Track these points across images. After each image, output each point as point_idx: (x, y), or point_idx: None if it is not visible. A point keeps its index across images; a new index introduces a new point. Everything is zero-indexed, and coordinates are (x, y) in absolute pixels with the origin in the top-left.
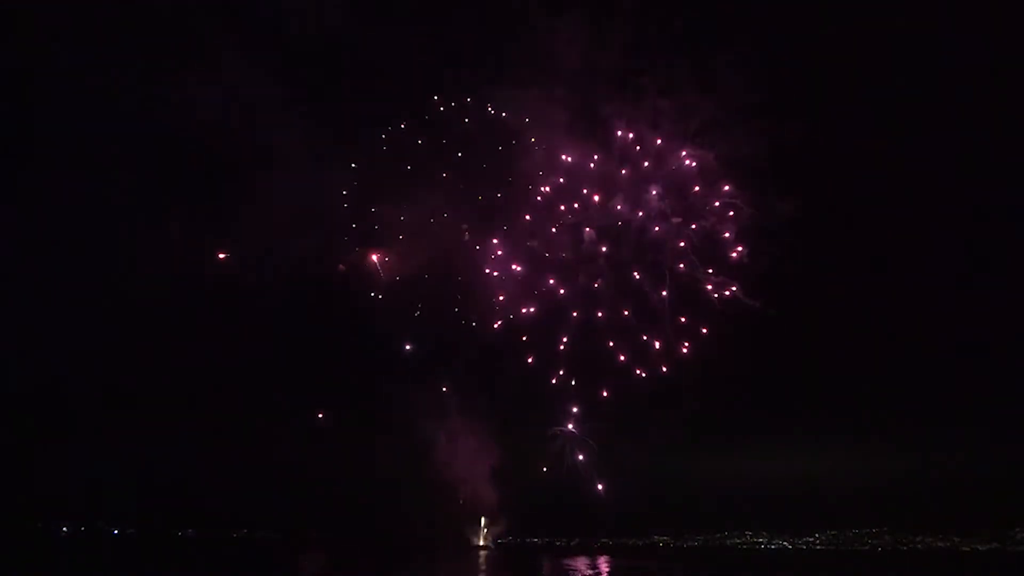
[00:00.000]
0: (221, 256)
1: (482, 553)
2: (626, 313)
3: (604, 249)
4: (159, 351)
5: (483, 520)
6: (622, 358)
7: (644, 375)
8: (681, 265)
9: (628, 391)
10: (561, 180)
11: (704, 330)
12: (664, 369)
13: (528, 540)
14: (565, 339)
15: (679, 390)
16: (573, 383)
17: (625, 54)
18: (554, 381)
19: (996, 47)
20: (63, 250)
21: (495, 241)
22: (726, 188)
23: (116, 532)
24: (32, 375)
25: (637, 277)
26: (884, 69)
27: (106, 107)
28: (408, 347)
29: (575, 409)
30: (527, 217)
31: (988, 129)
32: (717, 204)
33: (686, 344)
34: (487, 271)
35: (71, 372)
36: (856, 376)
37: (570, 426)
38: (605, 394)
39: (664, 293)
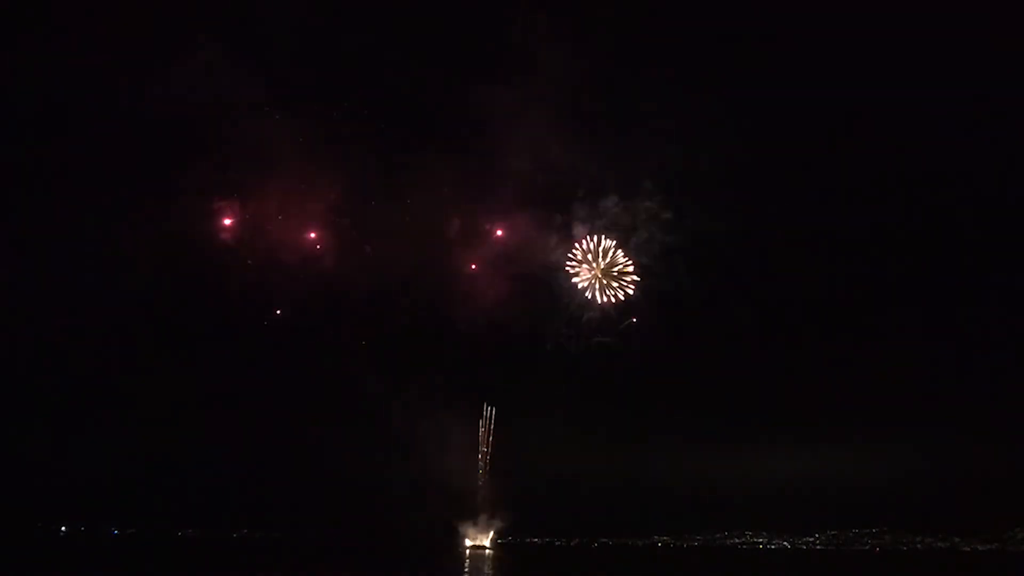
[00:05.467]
0: (227, 222)
1: (484, 553)
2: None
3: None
4: (158, 352)
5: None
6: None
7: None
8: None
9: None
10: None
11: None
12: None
13: (528, 540)
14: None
15: (676, 389)
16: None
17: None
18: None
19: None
20: (59, 250)
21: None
22: None
23: (116, 532)
24: (32, 375)
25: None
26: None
27: (94, 105)
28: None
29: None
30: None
31: (983, 124)
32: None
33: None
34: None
35: (71, 373)
36: (856, 377)
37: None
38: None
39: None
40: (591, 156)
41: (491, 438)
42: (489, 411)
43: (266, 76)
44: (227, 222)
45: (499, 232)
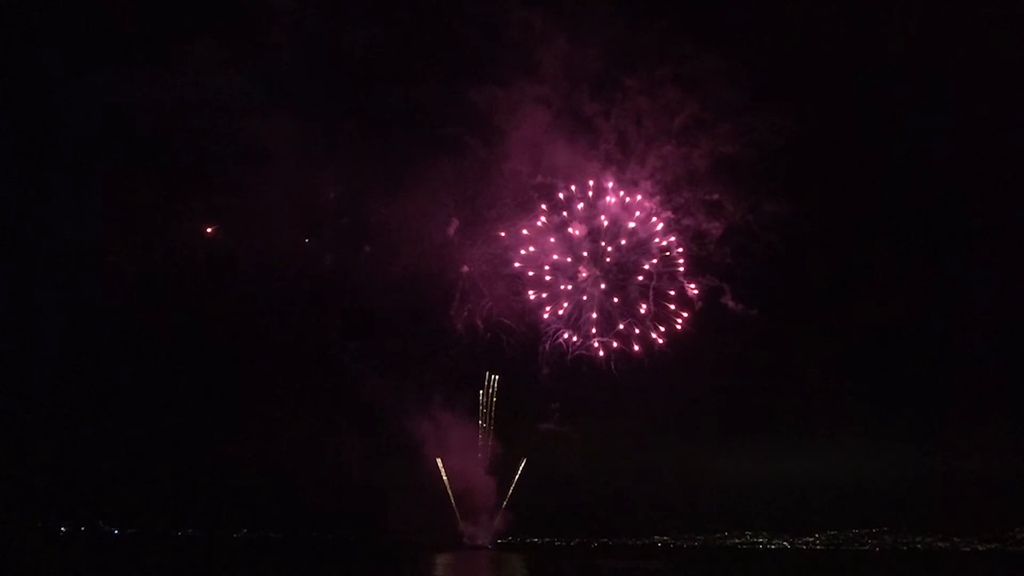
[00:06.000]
0: (208, 230)
1: (482, 551)
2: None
3: (585, 254)
4: (158, 352)
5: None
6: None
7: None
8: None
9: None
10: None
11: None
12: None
13: (528, 540)
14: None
15: (675, 389)
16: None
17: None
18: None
19: (988, 44)
20: (59, 250)
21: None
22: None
23: (116, 532)
24: (32, 375)
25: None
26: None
27: (92, 107)
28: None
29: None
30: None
31: (983, 124)
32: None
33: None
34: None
35: (71, 372)
36: (856, 377)
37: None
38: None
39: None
40: (591, 156)
41: (492, 412)
42: (492, 380)
43: (266, 76)
44: (225, 223)
45: (500, 232)
